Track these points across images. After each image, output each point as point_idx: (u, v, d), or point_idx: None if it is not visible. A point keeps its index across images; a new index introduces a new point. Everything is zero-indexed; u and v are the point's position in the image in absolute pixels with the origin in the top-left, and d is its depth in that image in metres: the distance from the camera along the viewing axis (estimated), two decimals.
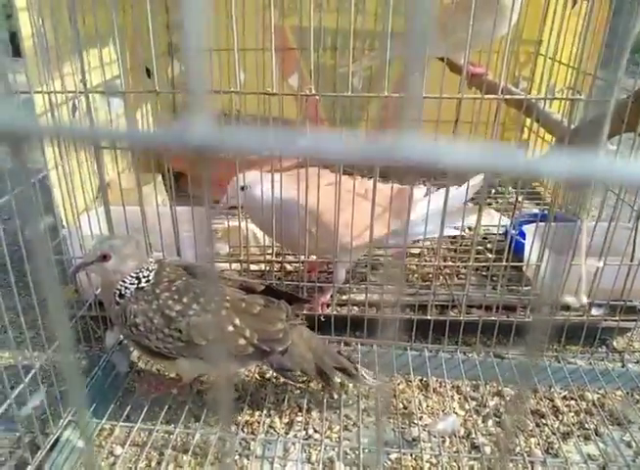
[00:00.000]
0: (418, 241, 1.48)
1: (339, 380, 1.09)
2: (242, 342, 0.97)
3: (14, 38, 1.05)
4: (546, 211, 1.60)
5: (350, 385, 1.14)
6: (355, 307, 1.31)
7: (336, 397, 1.12)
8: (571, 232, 1.09)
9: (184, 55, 0.21)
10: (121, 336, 1.19)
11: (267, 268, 1.36)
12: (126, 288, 0.98)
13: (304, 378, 1.12)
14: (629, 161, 0.21)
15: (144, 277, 0.99)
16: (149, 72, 1.41)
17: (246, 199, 1.20)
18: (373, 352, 1.23)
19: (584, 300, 1.16)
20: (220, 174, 1.26)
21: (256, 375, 1.17)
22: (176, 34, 1.82)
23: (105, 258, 0.97)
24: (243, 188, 1.19)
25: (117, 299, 0.99)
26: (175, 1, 1.75)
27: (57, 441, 0.98)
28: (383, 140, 0.21)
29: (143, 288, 0.98)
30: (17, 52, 1.04)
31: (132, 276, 0.99)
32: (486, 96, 1.13)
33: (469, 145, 0.21)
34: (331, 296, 1.28)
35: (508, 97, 1.15)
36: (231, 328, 0.97)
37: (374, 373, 1.08)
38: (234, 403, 1.09)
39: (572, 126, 1.13)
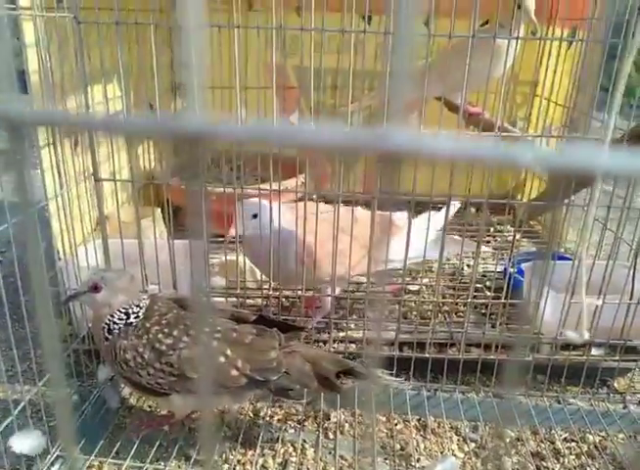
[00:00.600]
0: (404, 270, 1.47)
1: (344, 383, 1.04)
2: (234, 373, 0.95)
3: (21, 75, 1.07)
4: (544, 250, 1.60)
5: (347, 425, 1.12)
6: (353, 345, 1.29)
7: (331, 436, 1.09)
8: (568, 269, 1.08)
9: (183, 62, 0.22)
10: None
11: (264, 303, 1.34)
12: (115, 323, 0.97)
13: (305, 412, 1.10)
14: (631, 153, 0.21)
15: (133, 313, 0.98)
16: (152, 109, 1.43)
17: (256, 227, 1.16)
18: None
19: (586, 335, 1.14)
20: (220, 207, 1.27)
21: (250, 412, 1.15)
22: (179, 72, 1.86)
23: (96, 288, 0.96)
24: (255, 216, 1.15)
25: (106, 334, 0.97)
26: (179, 40, 1.79)
27: None
28: (374, 129, 0.21)
29: (132, 323, 0.97)
30: (24, 88, 1.06)
31: (121, 311, 0.97)
32: (483, 134, 1.15)
33: (462, 137, 0.21)
34: (327, 326, 1.26)
35: (505, 134, 1.17)
36: (222, 359, 0.95)
37: (389, 373, 1.05)
38: (225, 442, 1.06)
39: None
